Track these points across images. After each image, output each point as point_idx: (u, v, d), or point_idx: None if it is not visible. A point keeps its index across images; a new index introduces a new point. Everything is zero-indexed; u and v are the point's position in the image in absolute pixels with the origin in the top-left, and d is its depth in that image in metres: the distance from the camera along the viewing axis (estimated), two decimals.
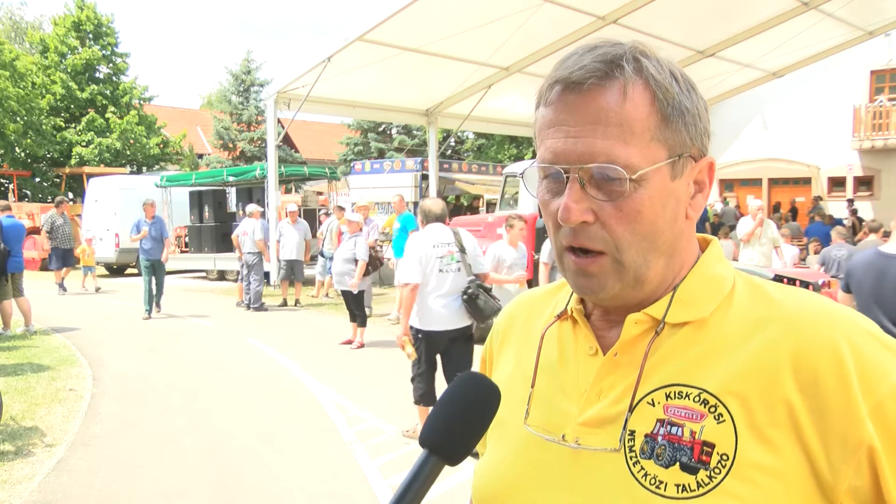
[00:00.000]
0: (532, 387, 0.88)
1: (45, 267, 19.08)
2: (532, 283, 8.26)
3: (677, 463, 0.74)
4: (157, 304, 11.26)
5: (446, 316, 4.92)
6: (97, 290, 14.58)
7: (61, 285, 14.08)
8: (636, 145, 0.76)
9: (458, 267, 5.03)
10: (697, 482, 0.73)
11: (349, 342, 8.73)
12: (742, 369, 0.75)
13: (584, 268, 0.79)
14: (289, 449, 5.05)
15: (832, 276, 8.51)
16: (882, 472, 0.69)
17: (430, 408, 4.20)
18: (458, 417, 0.75)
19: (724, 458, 0.72)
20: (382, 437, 5.27)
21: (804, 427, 0.71)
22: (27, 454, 4.91)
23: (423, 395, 5.02)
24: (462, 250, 5.08)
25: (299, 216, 12.77)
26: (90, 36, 26.97)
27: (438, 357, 5.04)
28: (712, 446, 0.73)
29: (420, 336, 4.98)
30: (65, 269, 14.10)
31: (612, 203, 0.76)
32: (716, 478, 0.72)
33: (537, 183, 0.83)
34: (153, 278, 11.09)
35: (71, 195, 25.58)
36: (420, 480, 0.72)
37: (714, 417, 0.74)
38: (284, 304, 12.21)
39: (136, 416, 5.85)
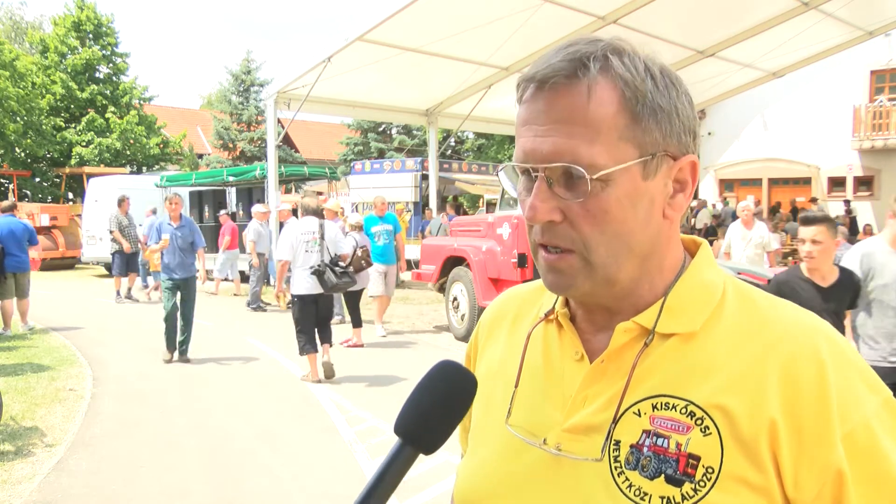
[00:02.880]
0: (515, 387, 0.88)
1: (45, 267, 19.14)
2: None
3: (662, 475, 0.74)
4: (183, 351, 7.82)
5: (312, 284, 6.77)
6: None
7: (119, 293, 12.89)
8: (602, 144, 0.75)
9: (319, 249, 6.83)
10: (682, 495, 0.72)
11: (347, 341, 8.77)
12: (729, 384, 0.74)
13: (552, 264, 0.79)
14: (289, 449, 5.05)
15: None
16: (847, 497, 0.70)
17: (317, 355, 5.40)
18: (432, 407, 0.75)
19: (710, 471, 0.72)
20: (382, 437, 5.26)
21: (781, 445, 0.71)
22: (27, 454, 4.91)
23: (305, 345, 6.78)
24: (323, 237, 6.90)
25: (294, 215, 12.78)
26: (90, 36, 26.98)
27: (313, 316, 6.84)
28: (698, 459, 0.73)
29: (296, 299, 6.82)
30: (130, 275, 13.06)
31: (579, 202, 0.76)
32: (700, 491, 0.72)
33: (517, 181, 0.83)
34: (179, 307, 7.77)
35: (71, 195, 25.61)
36: (394, 469, 0.72)
37: (700, 430, 0.74)
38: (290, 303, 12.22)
39: (136, 416, 5.85)
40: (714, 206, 19.49)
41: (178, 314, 7.78)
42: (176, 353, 7.81)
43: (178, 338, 7.79)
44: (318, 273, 6.76)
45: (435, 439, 0.74)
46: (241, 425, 5.60)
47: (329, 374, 6.93)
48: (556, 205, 0.77)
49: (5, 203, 9.70)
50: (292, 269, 6.90)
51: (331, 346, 7.07)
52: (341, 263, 6.98)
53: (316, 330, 6.91)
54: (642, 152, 0.77)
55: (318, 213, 7.10)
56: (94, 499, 4.19)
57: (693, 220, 17.69)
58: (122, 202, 13.48)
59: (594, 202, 0.75)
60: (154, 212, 15.44)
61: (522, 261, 8.35)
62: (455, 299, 9.34)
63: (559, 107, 0.76)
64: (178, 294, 7.74)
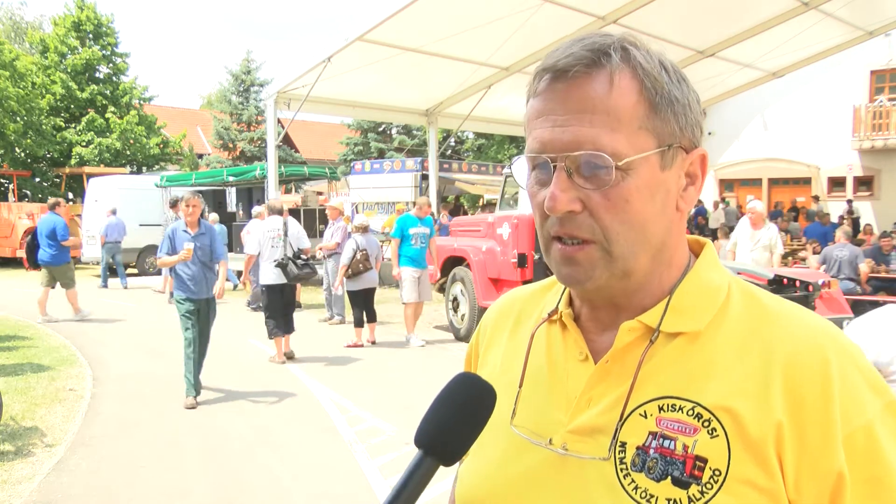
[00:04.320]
0: (519, 387, 0.87)
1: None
2: (531, 283, 8.27)
3: (669, 477, 0.73)
4: (196, 389, 6.20)
5: (277, 275, 7.71)
6: None
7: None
8: (623, 133, 0.75)
9: (283, 244, 7.80)
10: (689, 497, 0.72)
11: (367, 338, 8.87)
12: (736, 385, 0.74)
13: (570, 255, 0.78)
14: (289, 449, 5.06)
15: (832, 276, 8.50)
16: (845, 500, 0.70)
17: (284, 338, 6.14)
18: (452, 418, 0.75)
19: (717, 473, 0.72)
20: (382, 437, 5.27)
21: (786, 447, 0.71)
22: (27, 454, 4.91)
23: (273, 329, 7.70)
24: (286, 234, 7.87)
25: (294, 216, 12.75)
26: (90, 36, 26.95)
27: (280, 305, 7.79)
28: (705, 461, 0.72)
29: (265, 289, 7.80)
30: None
31: (600, 192, 0.76)
32: (707, 493, 0.71)
33: (526, 175, 0.82)
34: (199, 335, 6.27)
35: (71, 195, 25.60)
36: (415, 481, 0.72)
37: (707, 432, 0.73)
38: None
39: (136, 416, 5.85)
40: (716, 204, 19.45)
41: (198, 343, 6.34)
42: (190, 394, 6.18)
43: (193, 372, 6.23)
44: (282, 266, 7.72)
45: (455, 451, 0.74)
46: (241, 425, 5.60)
47: (290, 356, 7.96)
48: (577, 195, 0.76)
49: (50, 200, 10.93)
50: (260, 263, 7.93)
51: (292, 331, 8.02)
52: (303, 256, 7.98)
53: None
54: (660, 142, 0.77)
55: (281, 212, 8.21)
56: (94, 499, 4.19)
57: (701, 219, 17.68)
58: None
59: (616, 191, 0.75)
60: (114, 212, 15.78)
61: (522, 261, 8.35)
62: (455, 299, 9.33)
63: (579, 96, 0.76)
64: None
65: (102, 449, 5.05)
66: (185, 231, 6.35)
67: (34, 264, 10.69)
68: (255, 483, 4.42)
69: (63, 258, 10.39)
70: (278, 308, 7.73)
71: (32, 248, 10.58)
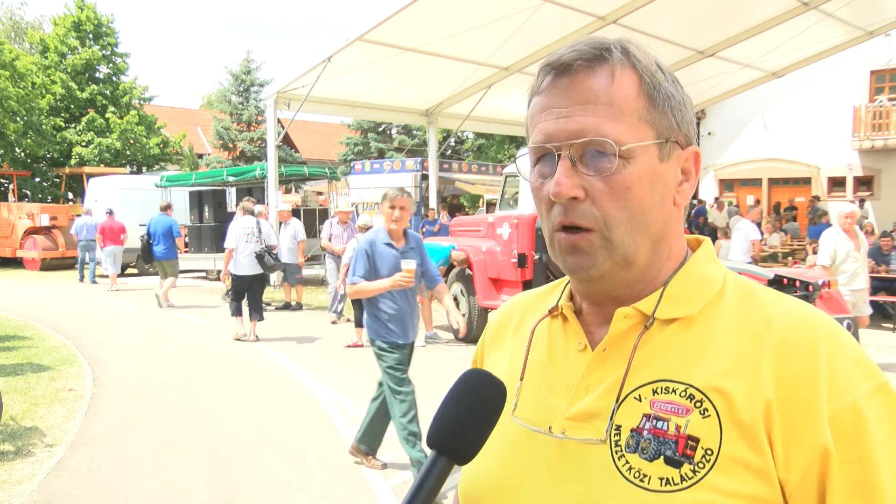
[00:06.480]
0: (520, 380, 0.89)
1: (45, 267, 19.15)
2: (531, 283, 8.28)
3: (662, 456, 0.75)
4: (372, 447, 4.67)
5: (249, 266, 9.10)
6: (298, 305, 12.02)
7: (297, 304, 12.04)
8: (625, 123, 0.78)
9: (256, 240, 9.17)
10: (681, 476, 0.73)
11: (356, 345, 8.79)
12: (728, 367, 0.76)
13: (574, 244, 0.80)
14: (289, 449, 5.06)
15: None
16: (830, 477, 0.71)
17: (242, 318, 6.74)
18: (464, 416, 0.75)
19: (709, 452, 0.73)
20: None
21: (774, 425, 0.72)
22: (27, 454, 4.91)
23: (235, 310, 9.23)
24: (259, 231, 9.25)
25: (294, 216, 12.72)
26: (90, 36, 26.95)
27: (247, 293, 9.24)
28: (697, 440, 0.74)
29: (235, 277, 9.17)
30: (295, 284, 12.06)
31: (602, 179, 0.78)
32: (699, 472, 0.73)
33: (529, 171, 0.85)
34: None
35: (71, 195, 25.61)
36: (431, 481, 0.72)
37: (700, 412, 0.75)
38: (286, 306, 12.19)
39: (136, 416, 5.85)
40: (721, 205, 19.39)
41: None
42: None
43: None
44: (260, 257, 9.00)
45: (470, 448, 0.74)
46: (241, 425, 5.60)
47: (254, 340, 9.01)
48: (580, 182, 0.79)
49: (163, 203, 12.40)
50: (235, 256, 9.11)
51: (260, 320, 9.19)
52: (273, 252, 9.37)
53: (248, 308, 9.15)
54: (659, 135, 0.80)
55: (254, 212, 9.58)
56: (94, 499, 4.19)
57: (701, 219, 17.67)
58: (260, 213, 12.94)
59: (618, 178, 0.78)
60: (88, 212, 16.43)
61: (522, 261, 8.35)
62: (455, 299, 9.33)
63: (582, 89, 0.79)
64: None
65: (102, 449, 5.05)
66: (388, 244, 4.37)
67: (149, 260, 12.31)
68: (255, 483, 4.42)
69: (173, 254, 12.07)
70: (241, 294, 9.19)
71: (148, 246, 11.89)
